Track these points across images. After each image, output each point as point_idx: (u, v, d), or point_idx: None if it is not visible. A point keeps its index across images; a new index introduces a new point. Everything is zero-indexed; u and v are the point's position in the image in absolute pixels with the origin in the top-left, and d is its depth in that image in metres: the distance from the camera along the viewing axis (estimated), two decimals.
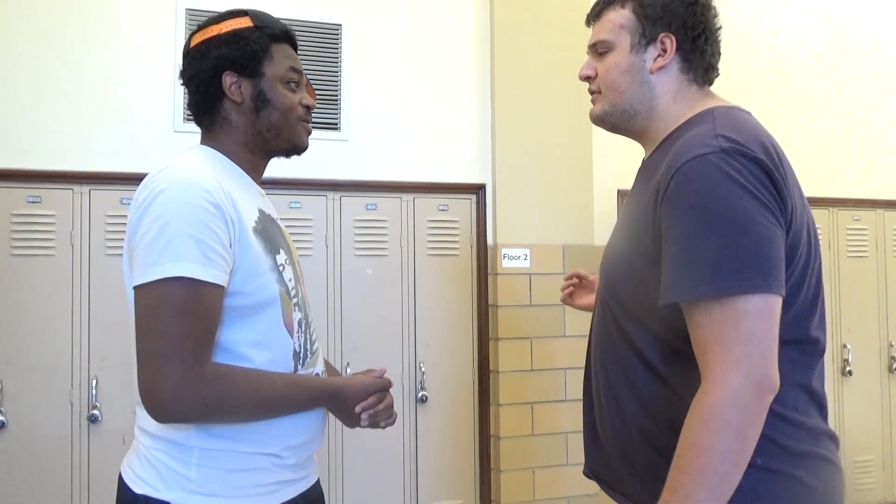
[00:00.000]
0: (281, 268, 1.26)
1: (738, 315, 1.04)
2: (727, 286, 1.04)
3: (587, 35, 1.36)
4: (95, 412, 2.75)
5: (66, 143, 2.83)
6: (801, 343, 1.15)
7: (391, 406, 1.38)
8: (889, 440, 3.91)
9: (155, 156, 2.83)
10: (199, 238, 1.12)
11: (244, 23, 1.30)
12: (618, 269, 1.27)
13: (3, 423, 2.68)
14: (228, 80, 1.29)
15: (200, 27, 1.33)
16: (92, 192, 2.83)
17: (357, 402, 1.31)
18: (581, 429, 1.40)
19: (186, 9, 2.93)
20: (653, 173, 1.21)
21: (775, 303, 1.06)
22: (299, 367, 1.28)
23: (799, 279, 1.13)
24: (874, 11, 4.08)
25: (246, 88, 1.30)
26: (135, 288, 1.13)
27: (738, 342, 1.03)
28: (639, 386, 1.21)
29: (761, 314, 1.04)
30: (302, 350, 1.29)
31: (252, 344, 1.20)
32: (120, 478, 1.24)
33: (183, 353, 1.10)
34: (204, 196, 1.14)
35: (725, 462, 1.01)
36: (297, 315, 1.29)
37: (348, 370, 3.02)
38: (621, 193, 3.54)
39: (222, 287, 1.15)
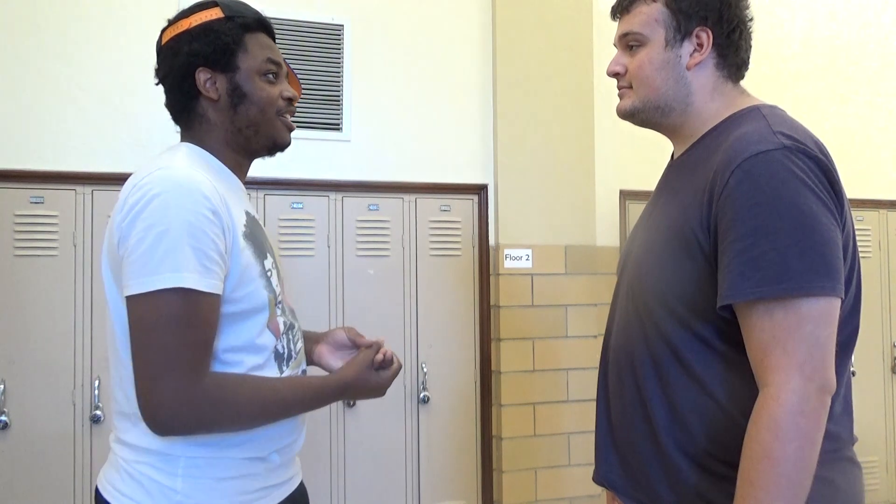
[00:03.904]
0: (269, 273, 1.22)
1: (802, 318, 1.01)
2: (795, 287, 1.01)
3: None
4: (98, 412, 2.75)
5: (68, 144, 2.84)
6: (842, 347, 1.11)
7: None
8: (893, 441, 3.90)
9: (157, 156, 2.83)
10: (197, 247, 1.07)
11: (215, 14, 1.23)
12: (660, 270, 1.20)
13: (7, 424, 2.69)
14: (202, 76, 1.23)
15: (171, 21, 1.27)
16: (94, 192, 2.84)
17: (368, 382, 1.27)
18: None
19: None
20: (695, 170, 1.18)
21: (836, 306, 1.04)
22: (285, 368, 1.25)
23: (846, 281, 1.09)
24: (875, 11, 4.07)
25: (221, 84, 1.24)
26: (129, 297, 1.08)
27: (802, 346, 1.01)
28: (673, 392, 1.15)
29: (824, 318, 1.02)
30: (286, 351, 1.26)
31: (238, 349, 1.17)
32: (97, 493, 1.18)
33: (182, 366, 1.07)
34: (203, 203, 1.10)
35: (800, 471, 0.99)
36: (282, 319, 1.26)
37: None
38: (623, 194, 3.54)
39: (220, 296, 1.12)
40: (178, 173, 1.13)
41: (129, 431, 1.14)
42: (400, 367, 1.34)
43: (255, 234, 1.23)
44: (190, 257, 1.07)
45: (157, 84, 1.29)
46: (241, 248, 1.16)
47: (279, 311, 1.25)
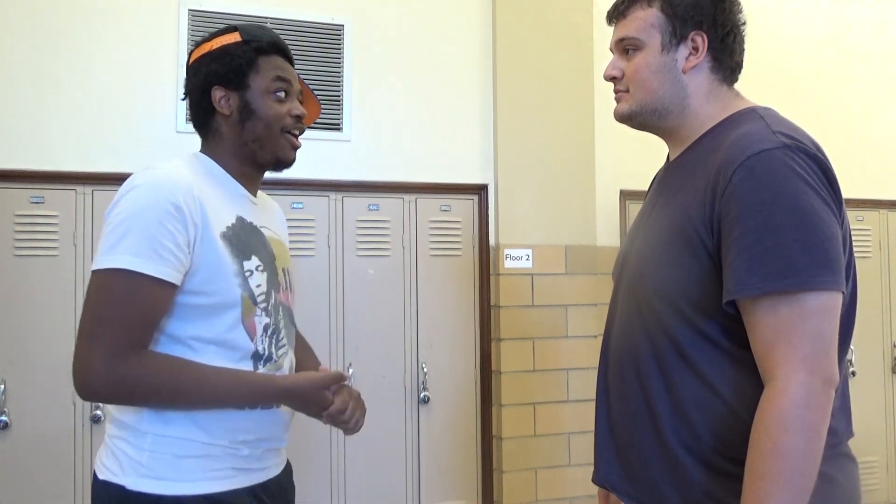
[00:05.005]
0: (248, 273, 1.30)
1: (806, 312, 1.04)
2: (800, 282, 1.03)
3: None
4: (98, 412, 2.75)
5: (68, 144, 2.84)
6: (839, 343, 1.11)
7: (357, 405, 1.37)
8: (893, 441, 3.90)
9: (157, 156, 2.83)
10: (151, 235, 1.18)
11: (233, 38, 1.37)
12: (663, 269, 1.20)
13: (7, 423, 2.69)
14: (217, 94, 1.35)
15: (197, 44, 1.41)
16: (94, 192, 2.84)
17: (310, 398, 1.31)
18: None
19: (189, 10, 2.93)
20: (695, 170, 1.19)
21: (839, 301, 1.06)
22: (260, 367, 1.31)
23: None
24: (875, 11, 4.07)
25: (234, 101, 1.36)
26: (91, 273, 1.22)
27: (806, 340, 1.03)
28: (678, 390, 1.16)
29: (828, 312, 1.05)
30: (266, 353, 1.32)
31: (207, 340, 1.25)
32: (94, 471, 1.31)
33: (109, 336, 1.17)
34: (167, 197, 1.21)
35: (807, 463, 1.01)
36: (262, 320, 1.32)
37: (351, 370, 3.02)
38: (623, 194, 3.54)
39: (170, 283, 1.21)
40: (157, 172, 1.25)
41: (114, 407, 1.28)
42: (352, 417, 1.36)
43: (239, 237, 1.31)
44: (142, 243, 1.18)
45: (182, 99, 1.44)
46: (215, 247, 1.25)
47: (259, 312, 1.32)
